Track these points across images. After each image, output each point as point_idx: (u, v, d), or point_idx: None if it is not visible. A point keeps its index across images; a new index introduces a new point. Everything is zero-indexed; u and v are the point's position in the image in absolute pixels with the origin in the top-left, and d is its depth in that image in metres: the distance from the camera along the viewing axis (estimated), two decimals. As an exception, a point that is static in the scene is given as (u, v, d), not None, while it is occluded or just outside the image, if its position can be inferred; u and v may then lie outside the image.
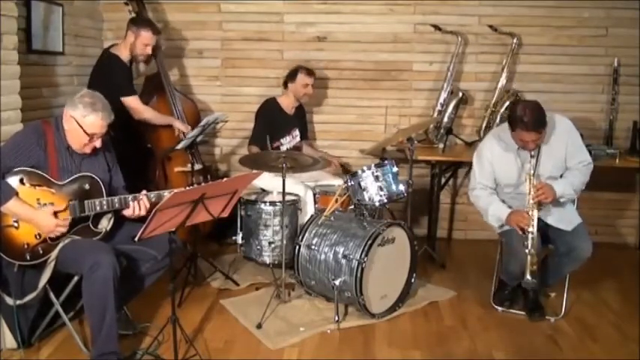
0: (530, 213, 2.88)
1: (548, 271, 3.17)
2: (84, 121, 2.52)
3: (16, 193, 2.42)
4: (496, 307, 3.31)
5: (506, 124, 3.02)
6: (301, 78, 3.99)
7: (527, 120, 2.80)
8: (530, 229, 2.87)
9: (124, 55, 3.66)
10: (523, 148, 2.96)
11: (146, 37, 3.64)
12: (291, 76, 4.03)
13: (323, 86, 4.53)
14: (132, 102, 3.63)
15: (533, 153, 2.91)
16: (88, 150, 2.60)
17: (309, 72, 4.03)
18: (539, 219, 2.99)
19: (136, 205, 2.59)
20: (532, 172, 2.90)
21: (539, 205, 2.92)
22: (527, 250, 2.87)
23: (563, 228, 3.05)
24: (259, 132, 3.95)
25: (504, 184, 3.11)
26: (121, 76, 3.61)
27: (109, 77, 3.54)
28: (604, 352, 2.86)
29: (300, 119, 4.25)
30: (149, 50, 3.70)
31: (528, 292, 3.23)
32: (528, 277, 2.89)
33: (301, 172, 3.64)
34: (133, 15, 3.92)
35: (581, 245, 3.00)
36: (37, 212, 2.46)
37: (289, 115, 4.11)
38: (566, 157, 3.04)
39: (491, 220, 3.12)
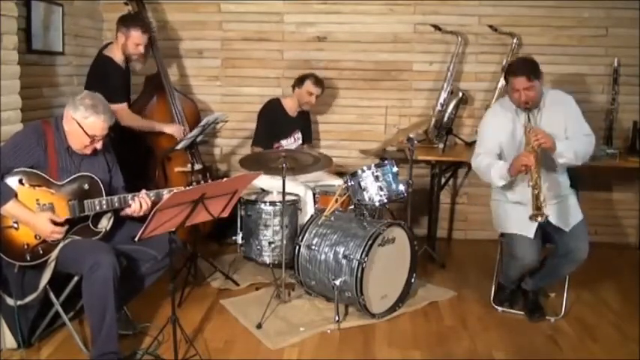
0: (531, 151, 2.81)
1: (546, 272, 3.17)
2: (85, 123, 2.52)
3: (15, 195, 2.42)
4: (496, 307, 3.31)
5: (506, 97, 3.08)
6: (308, 85, 3.98)
7: (515, 66, 2.98)
8: (532, 166, 2.77)
9: (118, 56, 3.60)
10: (518, 106, 2.97)
11: (136, 36, 3.55)
12: (300, 81, 4.03)
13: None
14: (120, 110, 3.51)
15: (530, 108, 2.91)
16: (88, 151, 2.60)
17: (318, 82, 4.00)
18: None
19: (138, 203, 2.59)
20: (529, 122, 2.89)
21: (541, 149, 2.84)
22: (529, 185, 2.78)
23: (563, 227, 3.04)
24: (262, 133, 3.96)
25: (508, 149, 3.06)
26: (115, 80, 3.54)
27: (104, 81, 3.46)
28: (604, 352, 2.86)
29: (304, 122, 4.24)
30: (141, 49, 3.62)
31: (528, 292, 3.24)
32: (536, 212, 2.76)
33: (301, 173, 3.65)
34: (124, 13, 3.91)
35: (578, 246, 2.98)
36: (35, 216, 2.45)
37: (292, 118, 4.11)
38: (566, 127, 3.00)
39: (494, 179, 3.01)
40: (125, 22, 3.61)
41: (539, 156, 2.81)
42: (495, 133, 3.09)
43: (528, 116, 2.90)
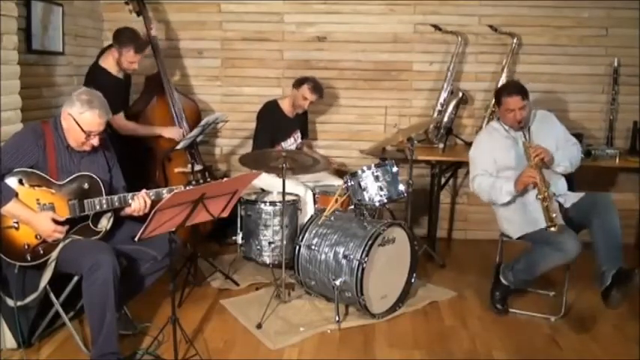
0: (533, 167, 2.98)
1: (602, 245, 2.98)
2: (81, 118, 2.52)
3: (16, 195, 2.42)
4: (498, 307, 3.30)
5: (493, 121, 3.32)
6: (304, 90, 3.97)
7: (510, 87, 3.21)
8: (538, 179, 2.94)
9: (113, 66, 3.58)
10: (512, 127, 3.16)
11: (129, 56, 3.53)
12: (299, 83, 4.01)
13: (323, 86, 4.53)
14: (117, 120, 3.54)
15: (523, 126, 3.10)
16: (87, 148, 2.60)
17: (315, 89, 3.98)
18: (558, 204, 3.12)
19: (137, 202, 2.59)
20: (527, 140, 3.05)
21: (542, 163, 3.01)
22: (538, 198, 2.93)
23: (576, 199, 3.12)
24: (262, 136, 3.95)
25: (505, 167, 3.17)
26: (110, 92, 3.40)
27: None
28: (604, 352, 2.87)
29: (302, 120, 4.25)
30: (135, 66, 3.59)
31: (621, 271, 2.90)
32: (550, 224, 2.83)
33: (301, 173, 3.64)
34: (134, 14, 3.91)
35: (598, 196, 3.10)
36: (36, 216, 2.45)
37: (290, 118, 4.11)
38: (556, 140, 3.20)
39: (500, 195, 3.10)
40: (119, 39, 3.55)
41: (541, 170, 2.99)
42: (489, 152, 3.23)
43: (524, 134, 3.08)
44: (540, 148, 3.04)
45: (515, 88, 3.16)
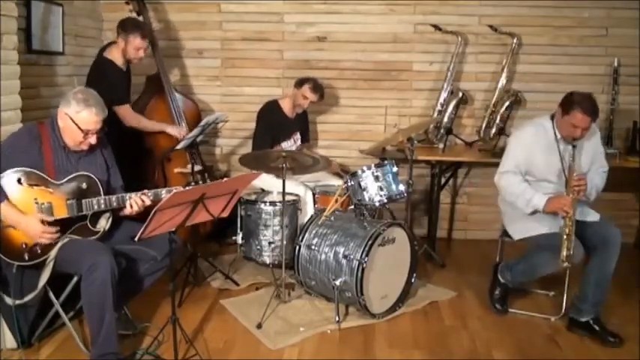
0: (570, 197, 2.88)
1: (593, 283, 2.99)
2: (77, 117, 2.51)
3: (7, 197, 2.42)
4: (498, 307, 3.30)
5: (545, 117, 3.08)
6: (305, 89, 3.97)
7: (586, 104, 2.86)
8: (570, 214, 2.86)
9: (118, 59, 3.59)
10: (565, 138, 2.97)
11: (136, 42, 3.54)
12: (300, 82, 4.01)
13: (323, 86, 4.53)
14: (123, 111, 3.58)
15: (575, 144, 2.93)
16: (84, 147, 2.59)
17: (315, 88, 3.98)
18: None
19: (133, 202, 2.59)
20: (573, 160, 2.91)
21: (577, 194, 2.91)
22: (564, 235, 2.85)
23: (593, 219, 3.06)
24: (262, 136, 3.95)
25: (542, 178, 3.06)
26: (116, 82, 3.54)
27: (104, 84, 3.40)
28: (604, 352, 2.87)
29: (302, 122, 4.24)
30: (142, 54, 3.60)
31: (592, 324, 3.01)
32: (565, 262, 2.85)
33: (301, 173, 3.64)
34: (134, 14, 3.91)
35: (610, 231, 3.00)
36: (25, 218, 2.45)
37: (291, 119, 4.10)
38: (593, 159, 3.09)
39: (523, 205, 3.01)
40: (124, 27, 3.59)
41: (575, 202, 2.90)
42: (531, 154, 3.06)
43: (573, 152, 2.93)
44: (584, 179, 2.90)
45: (592, 109, 2.85)
